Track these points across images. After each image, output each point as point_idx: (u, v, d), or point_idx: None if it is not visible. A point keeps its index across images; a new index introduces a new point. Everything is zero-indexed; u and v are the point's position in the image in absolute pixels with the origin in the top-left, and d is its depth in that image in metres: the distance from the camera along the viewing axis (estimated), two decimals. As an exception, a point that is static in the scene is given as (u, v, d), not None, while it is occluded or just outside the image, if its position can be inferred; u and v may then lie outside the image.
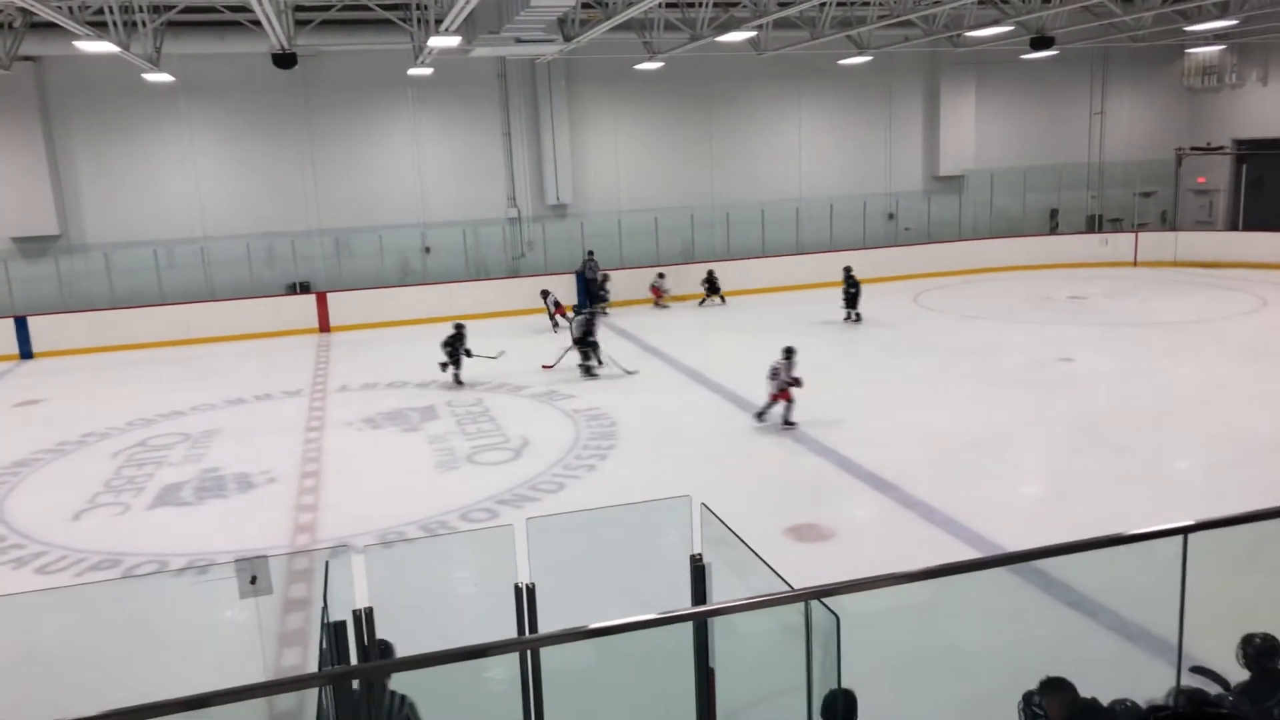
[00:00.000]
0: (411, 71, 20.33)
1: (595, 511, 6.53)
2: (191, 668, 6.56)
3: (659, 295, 22.96)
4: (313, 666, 7.45)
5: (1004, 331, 18.40)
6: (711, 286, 22.86)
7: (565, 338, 17.00)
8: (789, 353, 12.63)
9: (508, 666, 4.84)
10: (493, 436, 12.79)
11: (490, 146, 23.46)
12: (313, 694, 6.43)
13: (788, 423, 12.44)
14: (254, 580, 3.96)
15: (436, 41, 16.00)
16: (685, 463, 11.50)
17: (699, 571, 4.52)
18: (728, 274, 23.10)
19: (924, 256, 25.20)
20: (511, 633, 4.52)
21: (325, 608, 3.95)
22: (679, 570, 4.91)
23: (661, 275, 23.02)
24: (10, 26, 17.48)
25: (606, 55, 21.68)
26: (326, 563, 4.15)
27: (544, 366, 16.46)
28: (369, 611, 4.20)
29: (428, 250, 22.97)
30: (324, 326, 21.27)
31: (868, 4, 19.26)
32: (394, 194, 22.89)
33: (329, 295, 21.42)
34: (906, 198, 26.65)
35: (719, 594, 4.84)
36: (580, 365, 15.95)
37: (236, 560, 4.18)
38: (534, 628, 4.28)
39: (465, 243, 23.15)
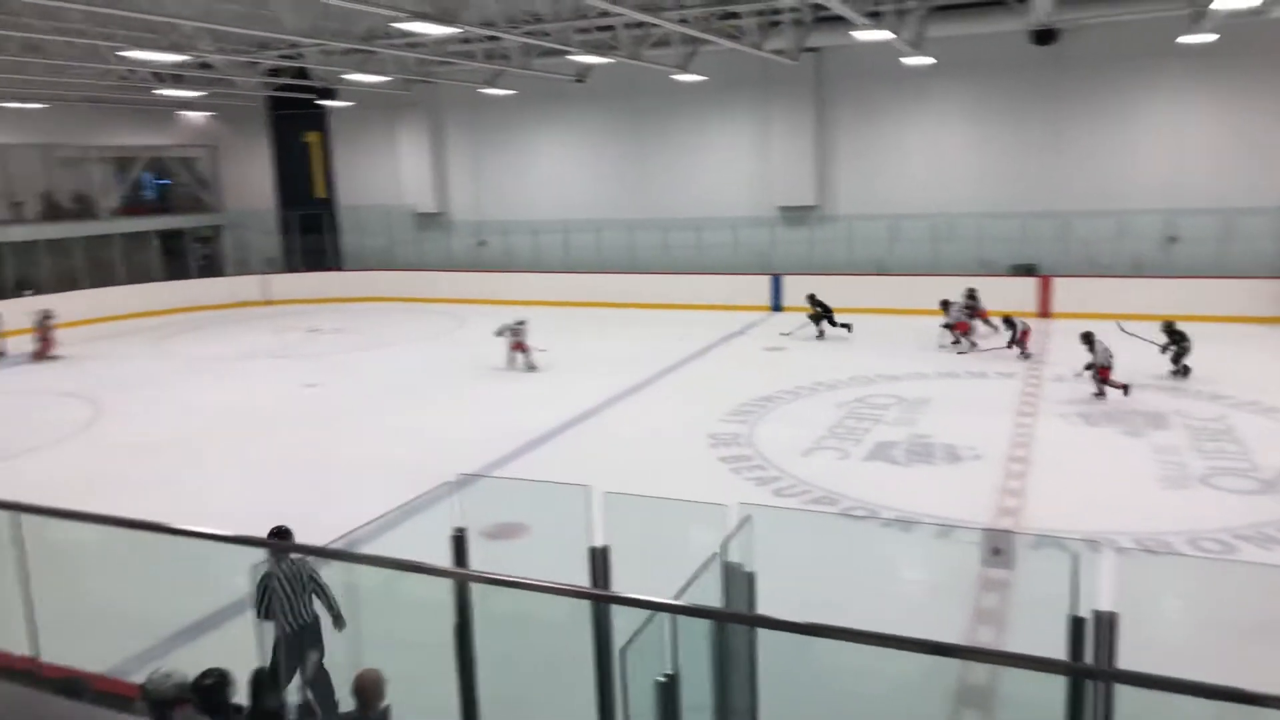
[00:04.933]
0: (1183, 39, 18.19)
1: None
2: (888, 611, 6.99)
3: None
4: (1008, 649, 7.35)
5: None
6: None
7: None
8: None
9: None
10: (1236, 460, 11.02)
11: None
12: (1010, 677, 6.34)
13: None
14: (998, 552, 3.96)
15: (1225, 3, 13.99)
16: None
17: None
18: None
19: None
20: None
21: (1073, 600, 3.78)
22: None
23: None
24: (800, 23, 20.13)
25: None
26: (1075, 554, 3.96)
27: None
28: (1112, 617, 3.90)
29: (1172, 240, 20.60)
30: (1044, 311, 20.62)
31: None
32: (1137, 176, 20.94)
33: (1053, 280, 20.66)
34: None
35: None
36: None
37: (984, 529, 4.22)
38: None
39: (1224, 234, 20.17)
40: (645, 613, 3.75)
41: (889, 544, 9.47)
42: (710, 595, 4.27)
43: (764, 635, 4.63)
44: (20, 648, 5.15)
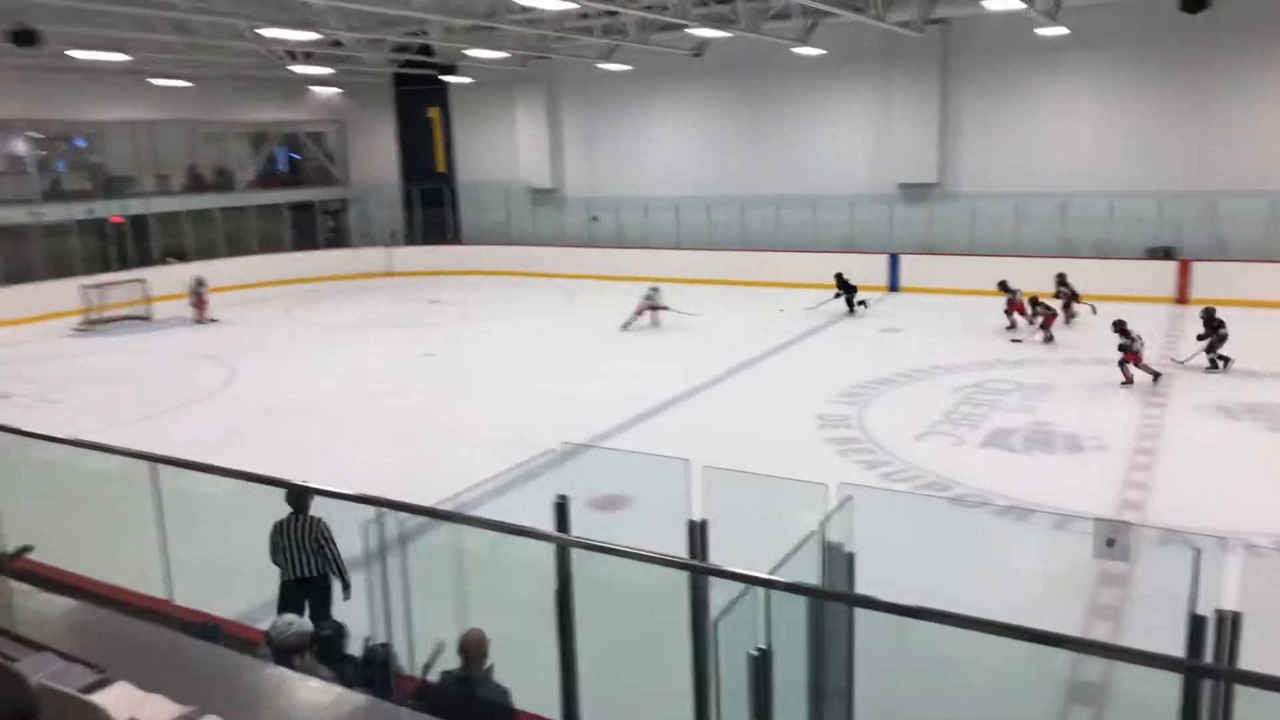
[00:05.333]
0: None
1: None
2: (996, 601, 6.78)
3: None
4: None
5: None
6: None
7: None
8: None
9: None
10: (1392, 460, 10.22)
11: None
12: (1124, 674, 6.08)
13: None
14: (1111, 543, 3.79)
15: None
16: None
17: None
18: None
19: None
20: None
21: (1193, 597, 3.59)
22: None
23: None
24: (930, -7, 19.44)
25: None
26: (1197, 550, 3.76)
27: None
28: (1236, 617, 3.68)
29: (1332, 222, 19.13)
30: (1181, 297, 19.47)
31: None
32: (1296, 154, 19.49)
33: (1193, 264, 19.49)
34: None
35: None
36: None
37: (1096, 519, 4.05)
38: None
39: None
40: (742, 587, 3.76)
41: (1001, 533, 9.18)
42: (808, 574, 4.23)
43: (862, 617, 4.57)
44: (157, 591, 5.53)
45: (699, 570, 4.06)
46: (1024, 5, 16.02)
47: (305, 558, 6.51)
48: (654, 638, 5.59)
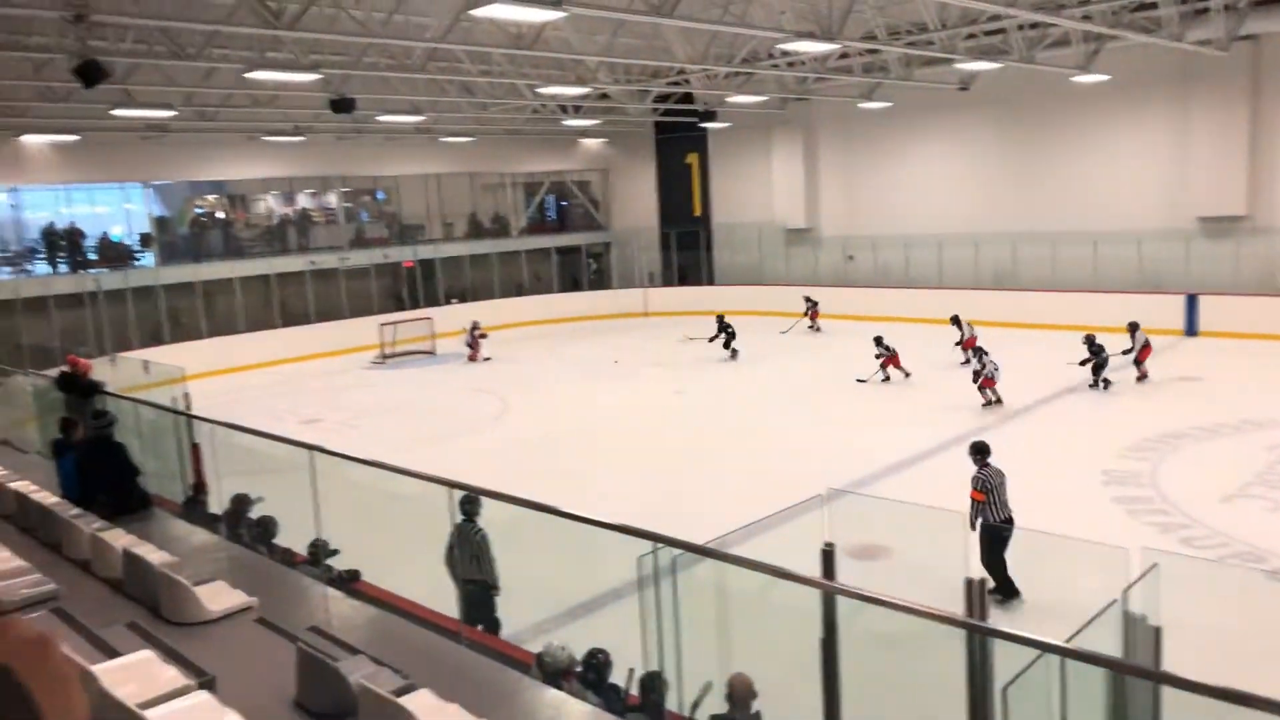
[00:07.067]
0: None
1: None
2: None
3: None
4: None
5: None
6: None
7: None
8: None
9: None
10: None
11: None
12: None
13: None
14: None
15: None
16: None
17: None
18: None
19: None
20: None
21: None
22: None
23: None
24: (1233, 8, 17.55)
25: None
26: None
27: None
28: None
29: None
30: None
31: None
32: None
33: None
34: None
35: None
36: None
37: None
38: None
39: None
40: (1023, 654, 3.47)
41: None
42: (1107, 646, 3.84)
43: (1170, 700, 4.07)
44: (452, 611, 5.95)
45: (982, 631, 3.79)
46: (1358, 12, 14.06)
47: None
48: (923, 697, 5.29)
